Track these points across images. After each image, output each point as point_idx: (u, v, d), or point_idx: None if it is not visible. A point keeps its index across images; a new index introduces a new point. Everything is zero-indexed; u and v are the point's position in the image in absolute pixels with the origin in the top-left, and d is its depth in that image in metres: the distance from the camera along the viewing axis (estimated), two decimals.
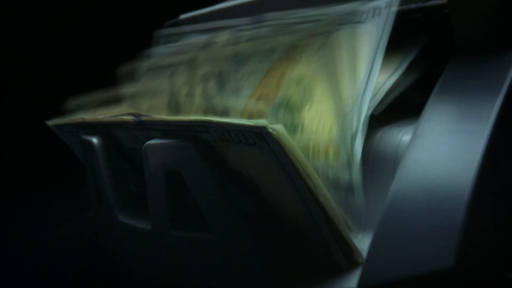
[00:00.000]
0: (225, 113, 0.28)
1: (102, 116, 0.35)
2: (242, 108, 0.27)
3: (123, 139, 0.34)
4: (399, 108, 0.33)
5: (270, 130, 0.24)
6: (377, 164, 0.30)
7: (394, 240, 0.23)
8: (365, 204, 0.30)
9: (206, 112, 0.30)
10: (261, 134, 0.23)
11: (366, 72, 0.30)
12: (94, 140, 0.35)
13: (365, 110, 0.29)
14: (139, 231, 0.33)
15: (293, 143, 0.24)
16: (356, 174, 0.29)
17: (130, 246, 0.36)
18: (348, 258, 0.26)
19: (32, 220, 0.49)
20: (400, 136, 0.30)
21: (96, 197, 0.38)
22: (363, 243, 0.27)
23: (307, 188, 0.24)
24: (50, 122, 0.39)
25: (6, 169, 0.53)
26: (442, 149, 0.24)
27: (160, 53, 0.40)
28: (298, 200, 0.25)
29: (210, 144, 0.27)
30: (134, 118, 0.31)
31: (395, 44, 0.31)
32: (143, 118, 0.30)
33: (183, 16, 0.45)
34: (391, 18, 0.30)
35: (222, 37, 0.37)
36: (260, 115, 0.26)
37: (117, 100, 0.38)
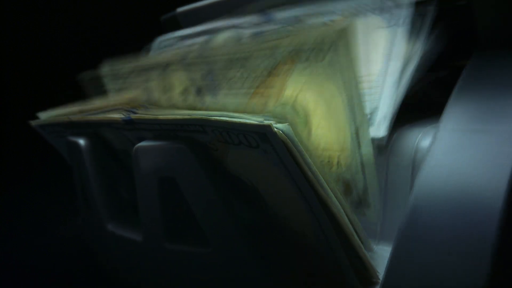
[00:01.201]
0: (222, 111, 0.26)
1: (90, 115, 0.33)
2: (242, 105, 0.25)
3: (113, 140, 0.33)
4: (415, 106, 0.32)
5: (276, 130, 0.21)
6: (393, 168, 0.29)
7: (415, 258, 0.21)
8: (380, 213, 0.29)
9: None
10: (264, 135, 0.21)
11: (383, 69, 0.28)
12: (81, 141, 0.33)
13: (385, 111, 0.27)
14: (130, 243, 0.32)
15: (301, 146, 0.22)
16: (372, 187, 0.27)
17: (120, 258, 0.34)
18: (361, 278, 0.24)
19: (32, 221, 0.49)
20: (418, 137, 0.29)
21: (84, 203, 0.36)
22: (377, 258, 0.26)
23: (316, 197, 0.22)
24: (34, 122, 0.37)
25: (6, 169, 0.53)
26: (468, 152, 0.23)
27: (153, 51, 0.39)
28: (306, 211, 0.23)
29: (207, 146, 0.25)
30: (122, 117, 0.29)
31: (409, 38, 0.30)
32: (133, 117, 0.28)
33: (181, 9, 0.44)
34: (408, 13, 0.28)
35: (223, 35, 0.36)
36: (262, 113, 0.24)
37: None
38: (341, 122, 0.25)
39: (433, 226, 0.22)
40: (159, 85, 0.32)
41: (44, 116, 0.36)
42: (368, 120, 0.26)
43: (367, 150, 0.26)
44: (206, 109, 0.26)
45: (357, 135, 0.26)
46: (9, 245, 0.46)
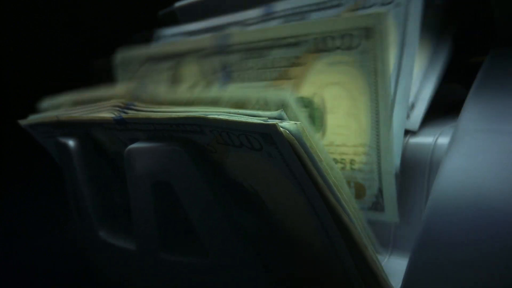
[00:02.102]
0: (237, 105, 0.25)
1: (79, 114, 0.31)
2: (257, 97, 0.24)
3: (105, 141, 0.32)
4: (431, 104, 0.31)
5: (282, 130, 0.19)
6: (408, 171, 0.29)
7: (434, 272, 0.21)
8: (396, 218, 0.28)
9: (213, 105, 0.27)
10: (269, 136, 0.20)
11: (397, 64, 0.27)
12: (70, 142, 0.32)
13: (403, 107, 0.26)
14: (123, 252, 0.31)
15: (311, 148, 0.20)
16: (389, 185, 0.26)
17: (113, 268, 0.33)
18: None
19: (32, 221, 0.49)
20: (435, 138, 0.28)
21: (75, 209, 0.35)
22: (391, 270, 0.26)
23: (326, 206, 0.21)
24: (23, 122, 0.35)
25: (6, 169, 0.52)
26: (488, 154, 0.22)
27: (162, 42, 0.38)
28: (313, 220, 0.22)
29: (205, 148, 0.24)
30: (113, 116, 0.27)
31: (424, 33, 0.30)
32: (124, 116, 0.26)
33: (179, 4, 0.43)
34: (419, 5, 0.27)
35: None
36: (277, 106, 0.22)
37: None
38: (364, 119, 0.24)
39: (453, 237, 0.21)
40: (169, 76, 0.32)
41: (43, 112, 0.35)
42: (392, 118, 0.25)
43: (387, 149, 0.25)
44: (213, 100, 0.25)
45: (378, 134, 0.25)
46: (9, 246, 0.46)
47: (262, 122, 0.19)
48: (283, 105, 0.21)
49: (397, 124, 0.27)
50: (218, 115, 0.21)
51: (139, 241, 0.29)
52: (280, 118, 0.20)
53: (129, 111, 0.27)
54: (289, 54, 0.25)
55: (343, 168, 0.26)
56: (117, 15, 0.53)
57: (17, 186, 0.52)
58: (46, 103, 0.35)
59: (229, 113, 0.21)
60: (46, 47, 0.53)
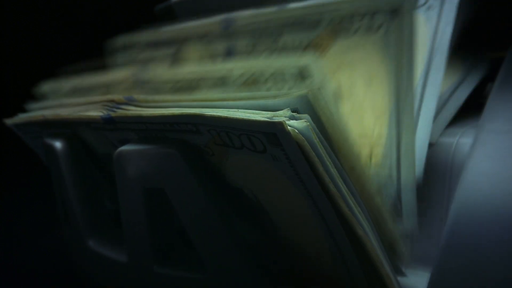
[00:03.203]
0: (248, 82, 0.23)
1: (68, 112, 0.29)
2: (271, 69, 0.22)
3: (94, 143, 0.30)
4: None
5: (289, 129, 0.17)
6: (427, 175, 0.27)
7: (461, 284, 0.20)
8: (415, 225, 0.27)
9: (222, 83, 0.25)
10: (274, 136, 0.18)
11: (426, 62, 0.26)
12: (57, 143, 0.30)
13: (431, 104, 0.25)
14: (113, 264, 0.30)
15: (323, 149, 0.18)
16: (409, 191, 0.25)
17: (103, 280, 0.32)
18: None
19: (32, 222, 0.48)
20: (456, 139, 0.27)
21: (63, 215, 0.33)
22: (406, 283, 0.26)
23: (338, 217, 0.20)
24: (9, 121, 0.34)
25: (6, 170, 0.51)
26: None
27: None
28: (324, 233, 0.21)
29: (202, 150, 0.23)
30: (101, 114, 0.25)
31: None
32: (113, 115, 0.25)
33: None
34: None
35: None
36: (296, 79, 0.21)
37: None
38: (381, 109, 0.23)
39: (480, 249, 0.20)
40: (171, 62, 0.31)
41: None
42: (413, 114, 0.23)
43: (408, 147, 0.24)
44: (222, 77, 0.24)
45: (398, 129, 0.23)
46: (9, 247, 0.45)
47: (266, 119, 0.17)
48: (303, 76, 0.19)
49: (422, 127, 0.25)
50: (216, 112, 0.19)
51: (131, 252, 0.28)
52: (288, 115, 0.17)
53: (118, 110, 0.25)
54: (302, 37, 0.24)
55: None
56: (111, 9, 0.53)
57: (17, 186, 0.51)
58: (44, 87, 0.35)
59: (228, 110, 0.19)
60: (36, 44, 0.53)
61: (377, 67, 0.22)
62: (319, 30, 0.23)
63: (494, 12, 0.34)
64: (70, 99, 0.31)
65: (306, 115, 0.17)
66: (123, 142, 0.26)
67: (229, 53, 0.26)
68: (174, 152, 0.23)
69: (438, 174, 0.27)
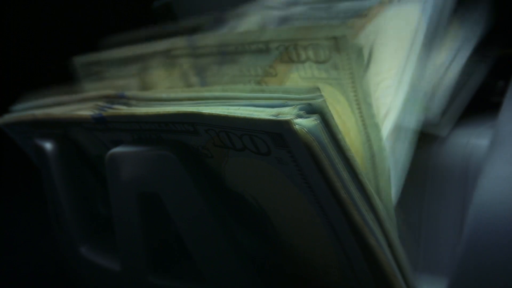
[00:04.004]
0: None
1: (58, 111, 0.29)
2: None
3: (86, 144, 0.30)
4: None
5: (297, 128, 0.16)
6: (440, 179, 0.27)
7: None
8: (421, 237, 0.27)
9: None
10: (279, 136, 0.17)
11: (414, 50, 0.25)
12: (47, 144, 0.30)
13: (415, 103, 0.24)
14: (106, 272, 0.29)
15: (334, 151, 0.17)
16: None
17: None
18: None
19: (32, 222, 0.47)
20: (471, 140, 0.27)
21: (55, 220, 0.33)
22: None
23: (349, 226, 0.18)
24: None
25: (6, 170, 0.52)
26: None
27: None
28: (332, 243, 0.20)
29: (199, 152, 0.22)
30: (93, 114, 0.25)
31: (452, 21, 0.28)
32: (105, 114, 0.24)
33: None
34: None
35: (249, 20, 0.34)
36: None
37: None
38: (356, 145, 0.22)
39: (501, 257, 0.20)
40: (137, 81, 0.30)
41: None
42: (383, 143, 0.23)
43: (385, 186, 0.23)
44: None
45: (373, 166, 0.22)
46: (9, 247, 0.45)
47: (271, 118, 0.16)
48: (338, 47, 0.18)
49: (401, 151, 0.24)
50: (215, 110, 0.18)
51: (124, 261, 0.27)
52: (296, 111, 0.16)
53: (110, 109, 0.24)
54: (261, 62, 0.23)
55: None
56: (108, 6, 0.53)
57: (17, 186, 0.51)
58: (19, 106, 0.33)
59: (228, 107, 0.18)
60: (28, 42, 0.52)
61: (336, 101, 0.22)
62: (274, 57, 0.23)
63: (505, 7, 0.33)
64: (63, 96, 0.31)
65: (315, 114, 0.16)
66: (116, 143, 0.25)
67: (200, 72, 0.27)
68: (170, 154, 0.23)
69: (452, 177, 0.26)
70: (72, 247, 0.31)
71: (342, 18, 0.25)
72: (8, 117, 0.32)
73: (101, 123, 0.25)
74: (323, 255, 0.22)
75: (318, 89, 0.17)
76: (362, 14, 0.23)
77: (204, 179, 0.23)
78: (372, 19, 0.23)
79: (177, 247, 0.26)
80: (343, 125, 0.22)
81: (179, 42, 0.28)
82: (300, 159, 0.17)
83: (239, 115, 0.17)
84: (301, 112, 0.16)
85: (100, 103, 0.25)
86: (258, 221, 0.24)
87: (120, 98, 0.25)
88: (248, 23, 0.33)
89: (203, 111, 0.18)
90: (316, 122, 0.16)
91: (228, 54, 0.25)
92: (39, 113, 0.30)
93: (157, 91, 0.25)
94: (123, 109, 0.23)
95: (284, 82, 0.23)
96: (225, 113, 0.18)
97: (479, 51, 0.31)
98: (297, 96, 0.17)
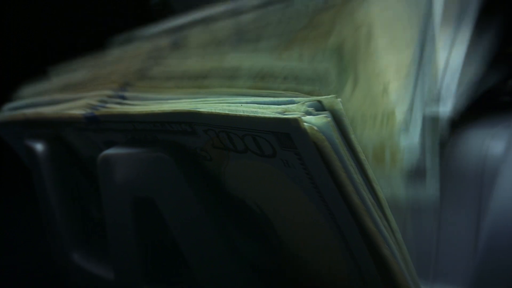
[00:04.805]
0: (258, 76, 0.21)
1: (50, 110, 0.28)
2: (284, 71, 0.20)
3: (78, 145, 0.29)
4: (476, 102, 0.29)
5: (306, 126, 0.14)
6: (453, 181, 0.26)
7: None
8: (434, 244, 0.26)
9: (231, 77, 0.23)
10: (287, 137, 0.15)
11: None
12: (38, 146, 0.29)
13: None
14: (99, 281, 0.28)
15: (345, 153, 0.15)
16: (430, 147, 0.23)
17: None
18: None
19: (31, 222, 0.45)
20: (487, 141, 0.26)
21: (46, 224, 0.32)
22: None
23: (361, 234, 0.17)
24: None
25: (5, 170, 0.52)
26: None
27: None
28: (342, 252, 0.19)
29: (197, 154, 0.21)
30: (84, 113, 0.23)
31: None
32: (97, 113, 0.23)
33: None
34: None
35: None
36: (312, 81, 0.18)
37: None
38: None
39: None
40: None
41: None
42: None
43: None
44: (232, 70, 0.21)
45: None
46: (8, 247, 0.45)
47: (277, 116, 0.15)
48: (320, 80, 0.17)
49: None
50: (215, 108, 0.17)
51: (118, 269, 0.27)
52: (305, 107, 0.15)
53: (103, 108, 0.23)
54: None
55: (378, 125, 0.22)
56: (105, 2, 0.53)
57: (17, 187, 0.50)
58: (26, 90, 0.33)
59: (227, 104, 0.17)
60: (23, 40, 0.52)
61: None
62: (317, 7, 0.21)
63: None
64: (58, 95, 0.30)
65: (326, 111, 0.15)
66: (109, 145, 0.24)
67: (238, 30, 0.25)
68: (166, 156, 0.22)
69: (467, 181, 0.25)
70: (64, 254, 0.30)
71: (303, 19, 0.23)
72: None
73: (93, 123, 0.24)
74: (331, 264, 0.21)
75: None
76: (327, 6, 0.22)
77: (202, 183, 0.22)
78: (344, 8, 0.21)
79: (173, 255, 0.25)
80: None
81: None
82: (309, 161, 0.16)
83: (241, 113, 0.16)
84: (310, 109, 0.15)
85: (93, 102, 0.24)
86: (260, 228, 0.23)
87: (114, 98, 0.24)
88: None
89: (201, 110, 0.17)
90: (327, 120, 0.14)
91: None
92: (30, 112, 0.29)
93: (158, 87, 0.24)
94: (116, 108, 0.22)
95: (339, 14, 0.21)
96: (226, 112, 0.16)
97: (489, 49, 0.30)
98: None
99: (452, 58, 0.26)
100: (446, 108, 0.25)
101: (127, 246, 0.25)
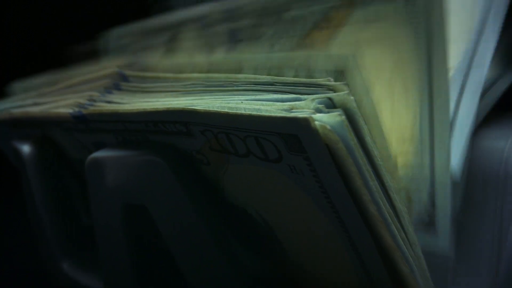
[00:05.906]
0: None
1: (38, 109, 0.26)
2: (295, 64, 0.19)
3: (67, 146, 0.27)
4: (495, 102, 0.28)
5: (317, 126, 0.13)
6: (473, 184, 0.25)
7: None
8: (454, 258, 0.25)
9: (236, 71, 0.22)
10: (295, 139, 0.13)
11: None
12: (25, 147, 0.27)
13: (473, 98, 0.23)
14: None
15: (360, 156, 0.14)
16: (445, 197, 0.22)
17: None
18: None
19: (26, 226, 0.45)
20: (507, 143, 0.25)
21: (35, 231, 0.30)
22: None
23: (378, 249, 0.16)
24: None
25: (5, 170, 0.48)
26: None
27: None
28: (355, 267, 0.18)
29: (194, 158, 0.20)
30: (72, 111, 0.22)
31: None
32: (85, 112, 0.21)
33: None
34: None
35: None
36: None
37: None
38: (410, 101, 0.20)
39: None
40: (165, 50, 0.29)
41: None
42: (449, 102, 0.20)
43: (442, 142, 0.21)
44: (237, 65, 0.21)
45: (431, 122, 0.20)
46: (8, 247, 0.44)
47: (284, 115, 0.13)
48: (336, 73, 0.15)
49: (464, 111, 0.22)
50: (213, 106, 0.15)
51: (108, 279, 0.25)
52: (315, 104, 0.13)
53: (91, 106, 0.22)
54: (312, 12, 0.21)
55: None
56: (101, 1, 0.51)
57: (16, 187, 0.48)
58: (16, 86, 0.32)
59: (231, 101, 0.15)
60: (18, 30, 0.51)
61: (403, 44, 0.19)
62: (331, 3, 0.20)
63: None
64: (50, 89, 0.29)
65: (338, 109, 0.13)
66: (99, 146, 0.23)
67: (234, 32, 0.24)
68: (158, 159, 0.21)
69: (488, 184, 0.25)
70: (52, 263, 0.29)
71: (297, 32, 0.22)
72: None
73: (81, 122, 0.22)
74: (340, 278, 0.19)
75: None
76: (323, 22, 0.21)
77: (198, 189, 0.21)
78: (340, 27, 0.20)
79: (167, 265, 0.24)
80: (398, 75, 0.20)
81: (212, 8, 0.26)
82: (320, 166, 0.14)
83: (242, 111, 0.14)
84: (321, 106, 0.13)
85: (81, 100, 0.23)
86: (262, 239, 0.22)
87: (104, 96, 0.23)
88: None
89: (198, 108, 0.15)
90: (341, 118, 0.13)
91: (271, 10, 0.23)
92: (17, 111, 0.27)
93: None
94: (105, 106, 0.20)
95: (339, 31, 0.20)
96: (225, 110, 0.15)
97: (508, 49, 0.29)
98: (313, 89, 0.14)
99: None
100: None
101: (118, 255, 0.24)
